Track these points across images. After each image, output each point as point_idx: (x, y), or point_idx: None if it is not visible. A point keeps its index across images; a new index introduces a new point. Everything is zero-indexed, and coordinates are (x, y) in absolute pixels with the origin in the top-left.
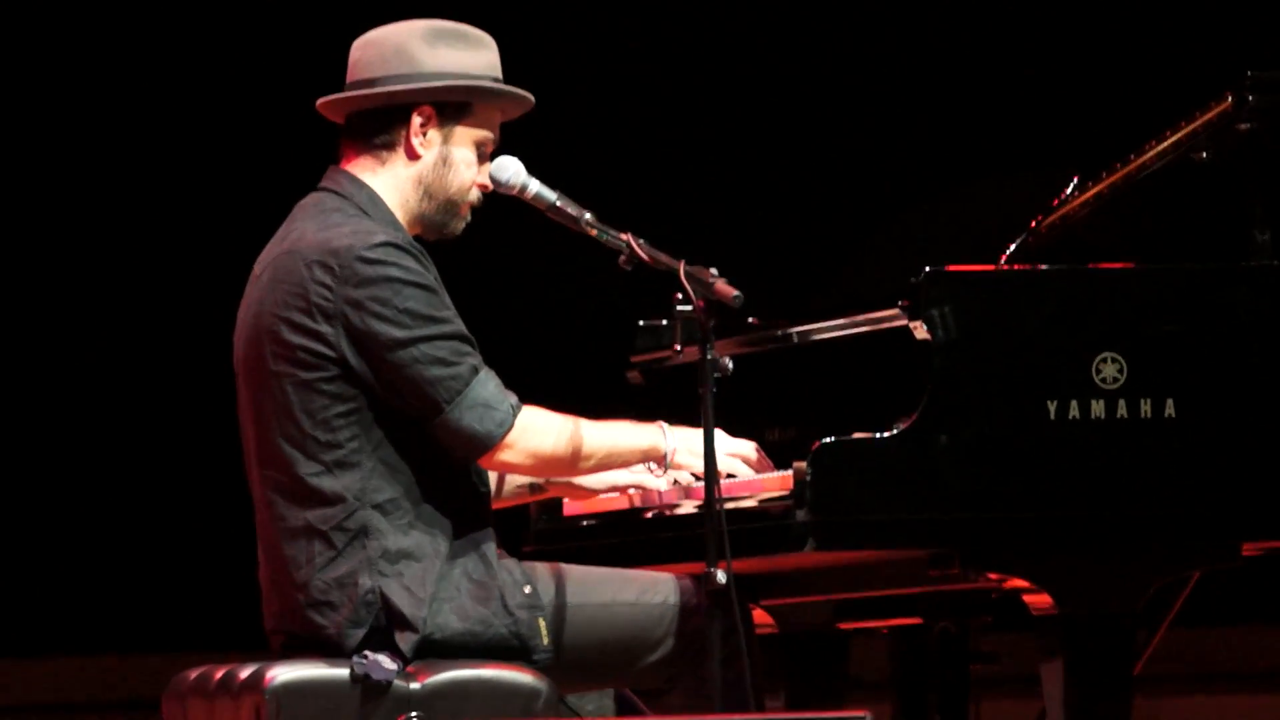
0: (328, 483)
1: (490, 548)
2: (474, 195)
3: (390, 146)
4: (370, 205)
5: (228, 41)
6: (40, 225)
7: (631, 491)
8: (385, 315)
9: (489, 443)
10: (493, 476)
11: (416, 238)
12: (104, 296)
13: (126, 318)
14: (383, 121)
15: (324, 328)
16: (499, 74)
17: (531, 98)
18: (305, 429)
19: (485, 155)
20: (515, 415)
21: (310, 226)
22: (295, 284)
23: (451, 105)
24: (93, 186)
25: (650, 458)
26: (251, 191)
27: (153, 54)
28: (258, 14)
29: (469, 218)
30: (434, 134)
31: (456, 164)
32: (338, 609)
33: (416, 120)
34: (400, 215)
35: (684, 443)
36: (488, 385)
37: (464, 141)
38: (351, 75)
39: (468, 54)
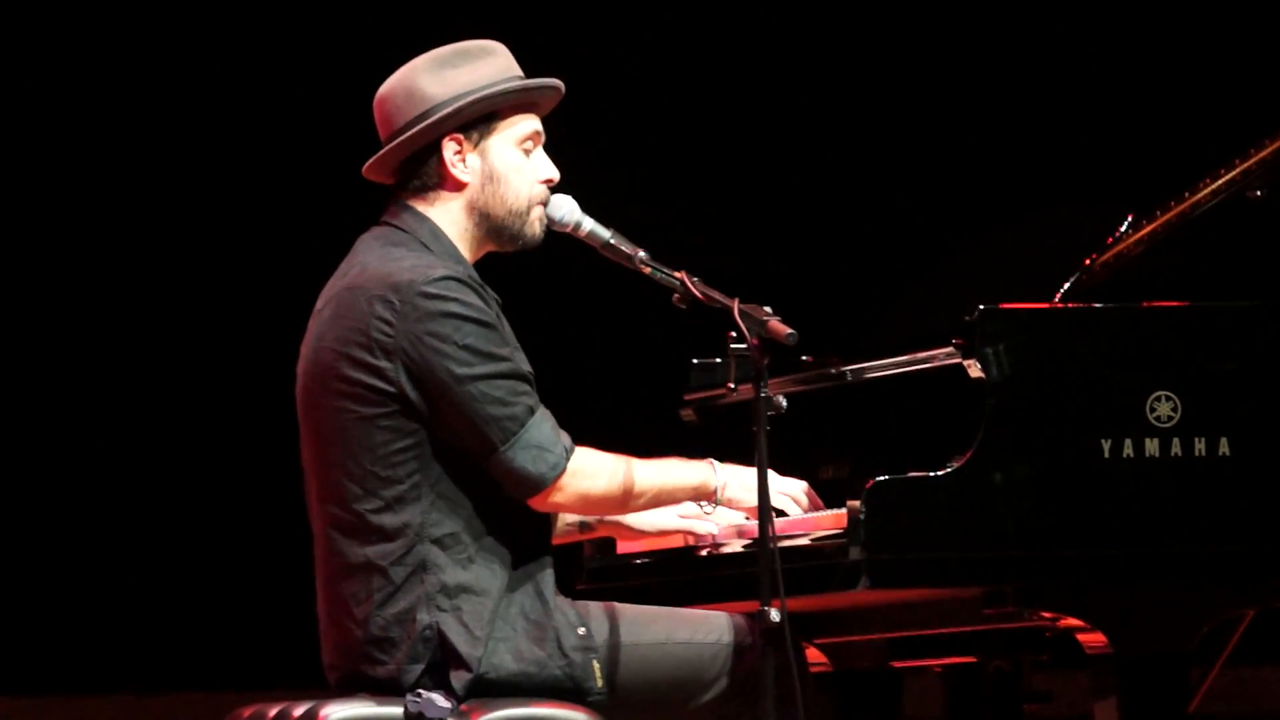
0: (387, 518)
1: (548, 584)
2: (539, 192)
3: (436, 185)
4: (432, 240)
5: (298, 76)
6: (106, 258)
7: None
8: (445, 351)
9: (541, 485)
10: None
11: (492, 257)
12: (168, 327)
13: (190, 351)
14: (419, 165)
15: (384, 363)
16: (514, 74)
17: (553, 81)
18: (365, 465)
19: (534, 149)
20: (568, 458)
21: (371, 260)
22: (356, 319)
23: (474, 123)
24: (163, 220)
25: (700, 495)
26: (317, 226)
27: (224, 89)
28: (331, 51)
29: (544, 221)
30: (471, 157)
31: (503, 175)
32: (396, 645)
33: (448, 151)
34: (464, 246)
35: (734, 479)
36: (543, 427)
37: (503, 150)
38: (382, 133)
39: (473, 69)
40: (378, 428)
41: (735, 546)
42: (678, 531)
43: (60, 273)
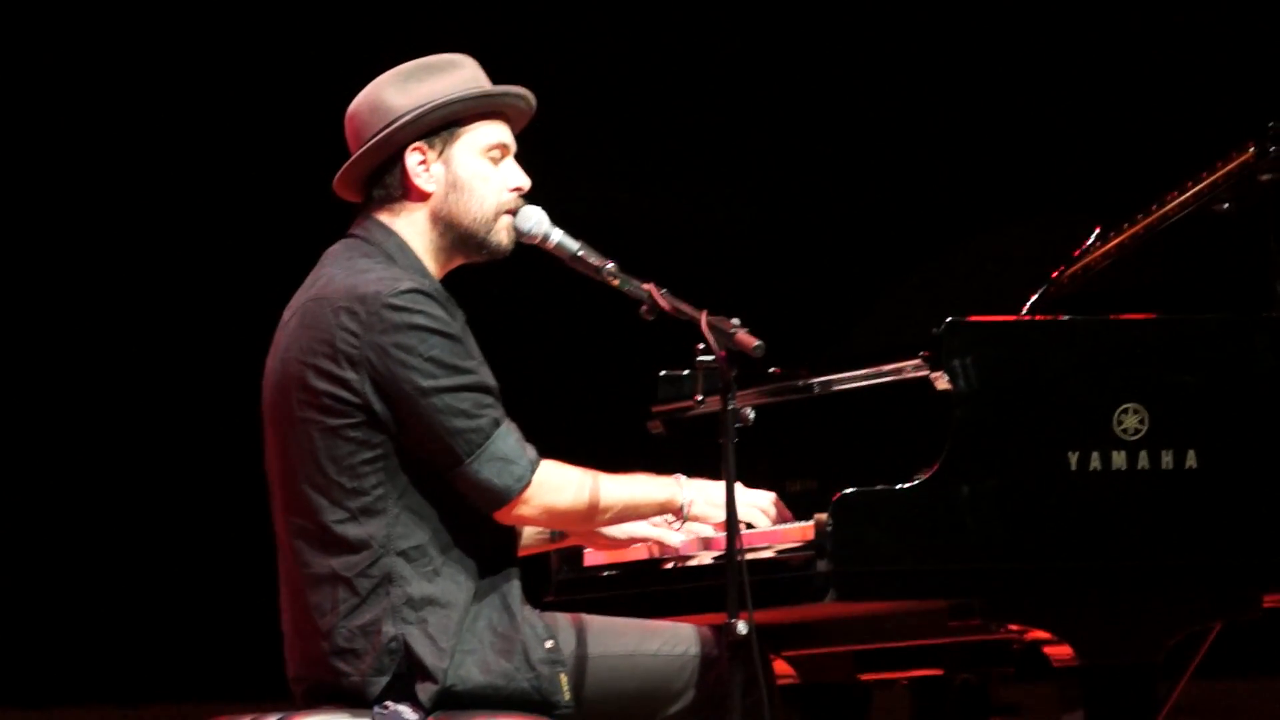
0: (353, 530)
1: (515, 596)
2: (507, 200)
3: (401, 197)
4: (398, 253)
5: (264, 89)
6: (72, 274)
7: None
8: (410, 363)
9: (506, 497)
10: None
11: (460, 269)
12: (133, 340)
13: (155, 364)
14: (383, 177)
15: (349, 374)
16: (479, 84)
17: (517, 88)
18: (330, 475)
19: (502, 158)
20: (533, 471)
21: (338, 273)
22: (322, 330)
23: (437, 131)
24: (132, 235)
25: (667, 510)
26: (283, 239)
27: (193, 100)
28: (301, 61)
29: (512, 230)
30: (435, 166)
31: (467, 184)
32: (361, 657)
33: (412, 161)
34: (430, 258)
35: (701, 494)
36: (508, 439)
37: (467, 159)
38: (351, 150)
39: (437, 81)
40: (343, 438)
41: (704, 559)
42: (647, 539)
43: (28, 286)
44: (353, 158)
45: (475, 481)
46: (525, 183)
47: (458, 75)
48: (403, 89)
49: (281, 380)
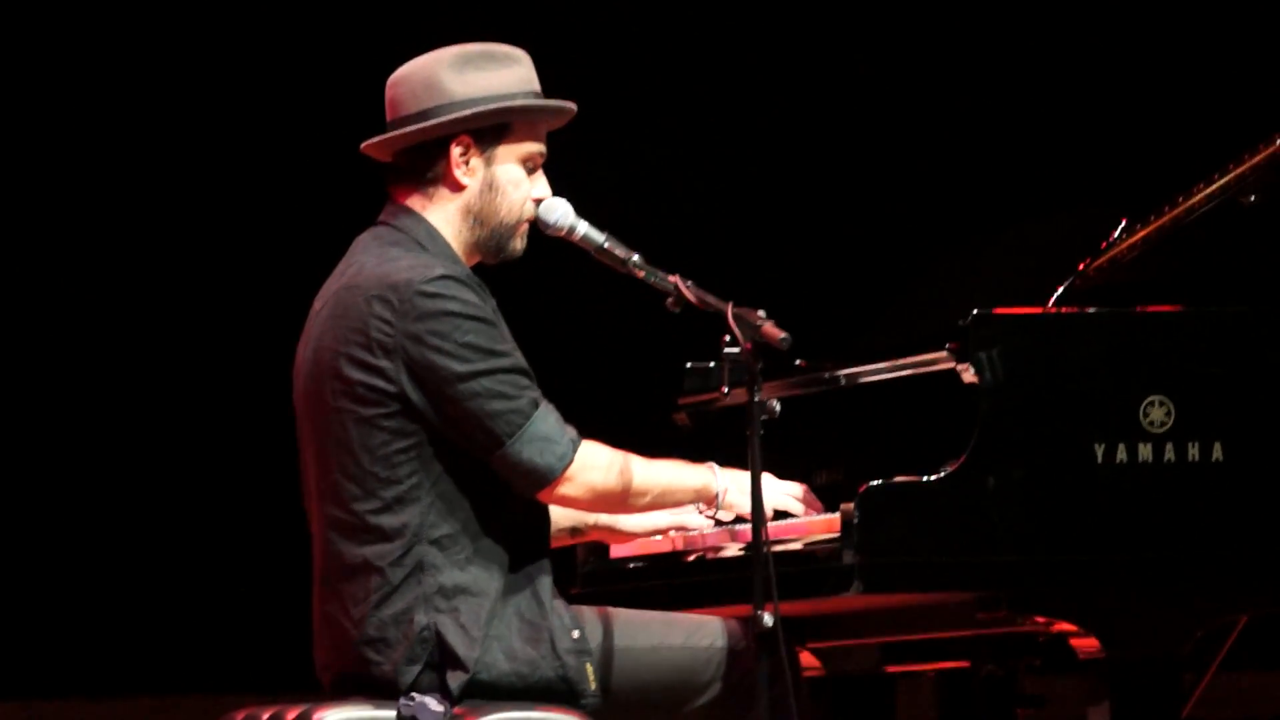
0: (386, 519)
1: (545, 586)
2: (529, 210)
3: (435, 181)
4: (428, 240)
5: (283, 76)
6: (103, 260)
7: (673, 534)
8: (446, 349)
9: (550, 477)
10: None
11: (477, 266)
12: (162, 328)
13: (183, 353)
14: (424, 157)
15: (384, 363)
16: (534, 87)
17: (571, 105)
18: (365, 465)
19: (534, 168)
20: (575, 449)
21: (369, 261)
22: (355, 319)
23: (488, 130)
24: (159, 222)
25: (701, 498)
26: (314, 227)
27: (219, 89)
28: (313, 50)
29: (526, 236)
30: (476, 161)
31: (503, 186)
32: (393, 646)
33: (455, 151)
34: (456, 247)
35: (735, 483)
36: (548, 419)
37: (508, 162)
38: (390, 114)
39: (497, 74)
40: (378, 428)
41: (729, 550)
42: (669, 528)
43: (59, 274)
44: (398, 131)
45: (517, 462)
46: (548, 196)
47: (516, 72)
48: (461, 75)
49: (314, 370)
